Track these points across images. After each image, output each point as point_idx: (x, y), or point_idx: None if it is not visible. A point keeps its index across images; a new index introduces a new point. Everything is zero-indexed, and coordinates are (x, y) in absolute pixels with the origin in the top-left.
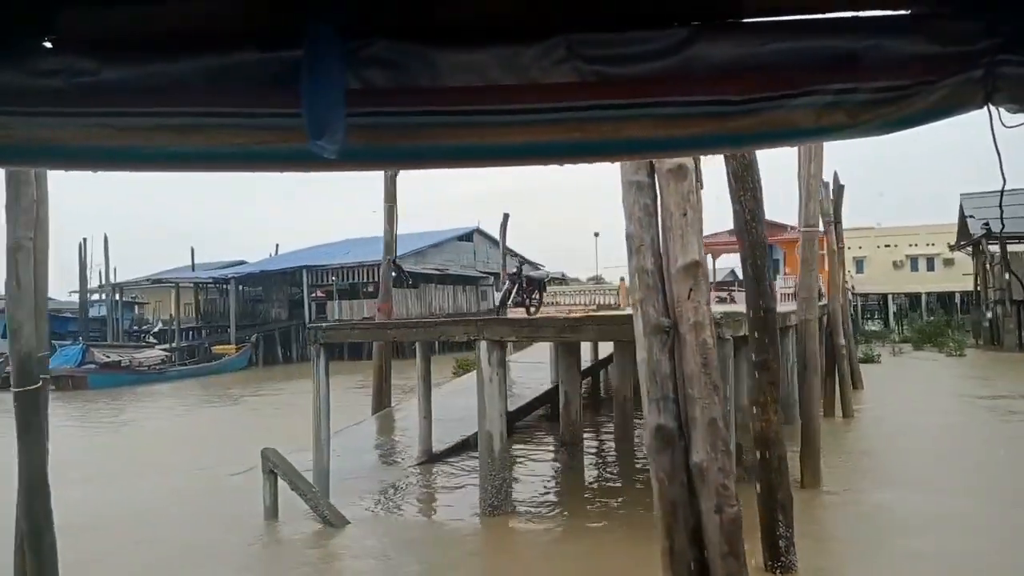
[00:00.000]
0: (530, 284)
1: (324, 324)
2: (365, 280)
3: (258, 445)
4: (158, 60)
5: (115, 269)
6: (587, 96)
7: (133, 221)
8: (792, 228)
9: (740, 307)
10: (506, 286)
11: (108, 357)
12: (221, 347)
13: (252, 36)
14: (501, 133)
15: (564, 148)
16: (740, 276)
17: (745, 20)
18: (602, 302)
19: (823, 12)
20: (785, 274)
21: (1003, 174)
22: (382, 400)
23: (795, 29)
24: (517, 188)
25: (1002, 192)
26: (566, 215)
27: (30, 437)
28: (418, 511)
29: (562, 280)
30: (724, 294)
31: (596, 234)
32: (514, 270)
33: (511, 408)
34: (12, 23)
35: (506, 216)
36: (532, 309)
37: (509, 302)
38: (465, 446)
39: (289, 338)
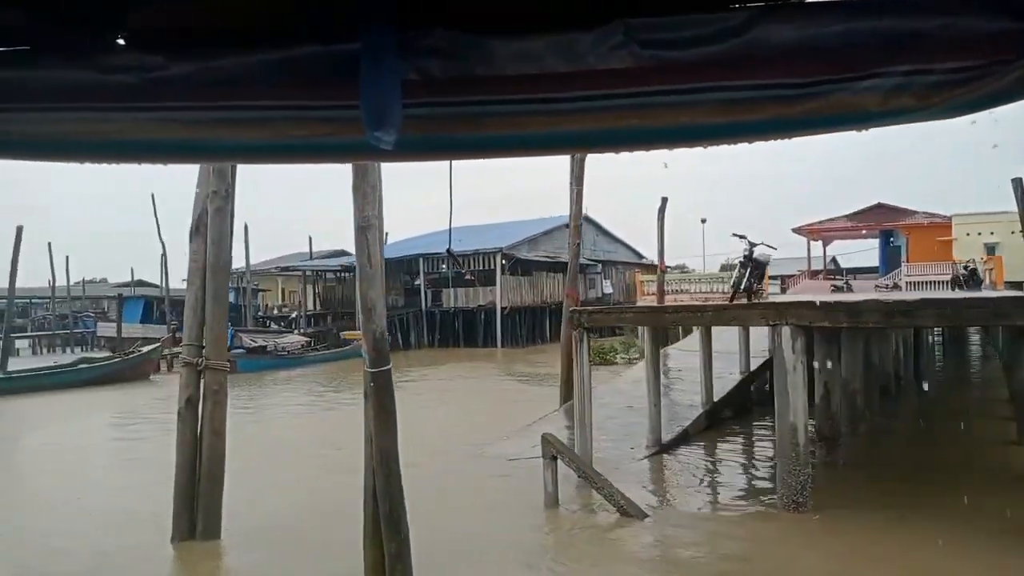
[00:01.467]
0: (756, 267)
1: (588, 308)
2: (483, 267)
3: (459, 431)
4: (222, 56)
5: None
6: (645, 82)
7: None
8: (919, 213)
9: (856, 296)
10: (737, 271)
11: (255, 342)
12: (349, 333)
13: (311, 30)
14: (558, 121)
15: (621, 135)
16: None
17: (807, 1)
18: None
19: None
20: (908, 262)
21: None
22: (569, 390)
23: (859, 9)
24: (614, 175)
25: None
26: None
27: (384, 417)
28: (703, 503)
29: (682, 268)
30: (840, 283)
31: (703, 220)
32: (745, 252)
33: (715, 398)
34: (87, 22)
35: (664, 200)
36: (756, 295)
37: (742, 287)
38: (685, 437)
39: (407, 325)
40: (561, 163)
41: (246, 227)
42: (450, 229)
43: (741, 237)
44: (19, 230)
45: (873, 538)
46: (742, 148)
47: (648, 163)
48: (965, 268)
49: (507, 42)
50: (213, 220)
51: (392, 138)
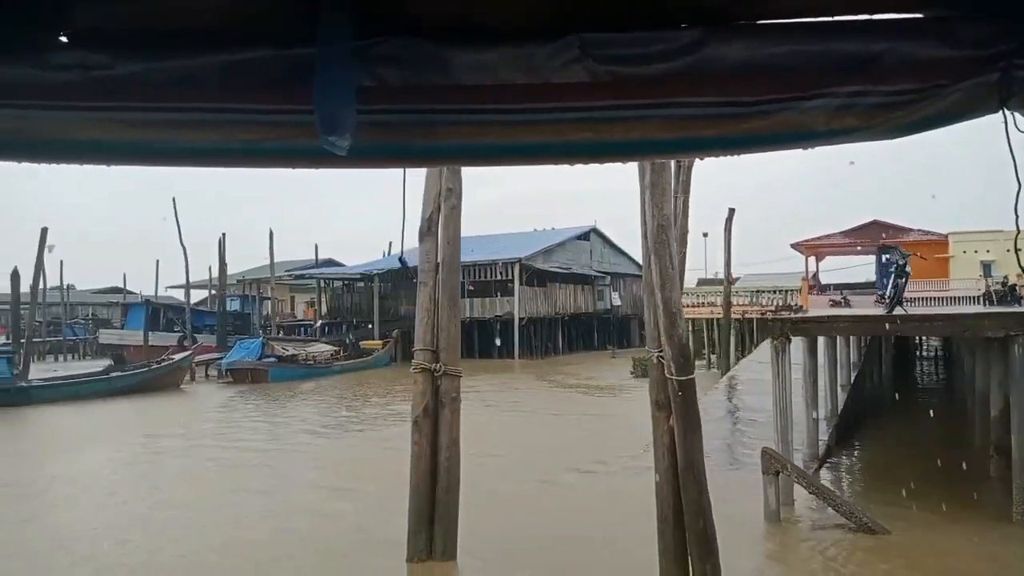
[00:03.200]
0: (905, 278)
1: (792, 317)
2: (499, 278)
3: (581, 442)
4: (172, 56)
5: (204, 267)
6: (599, 96)
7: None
8: (915, 230)
9: (853, 310)
10: (892, 279)
11: (286, 351)
12: (368, 343)
13: (265, 33)
14: (512, 132)
15: (576, 148)
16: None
17: (758, 22)
18: (783, 303)
19: (836, 15)
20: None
21: (1019, 178)
22: None
23: (808, 32)
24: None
25: (1017, 195)
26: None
27: (689, 426)
28: (931, 517)
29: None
30: (839, 298)
31: (705, 235)
32: (901, 261)
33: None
34: (29, 17)
35: (731, 211)
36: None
37: (896, 297)
38: (828, 450)
39: None
40: (556, 169)
41: (223, 237)
42: (402, 238)
43: (891, 248)
44: (44, 232)
45: None
46: (738, 161)
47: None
48: (1002, 284)
49: (464, 52)
50: (447, 219)
51: (347, 144)
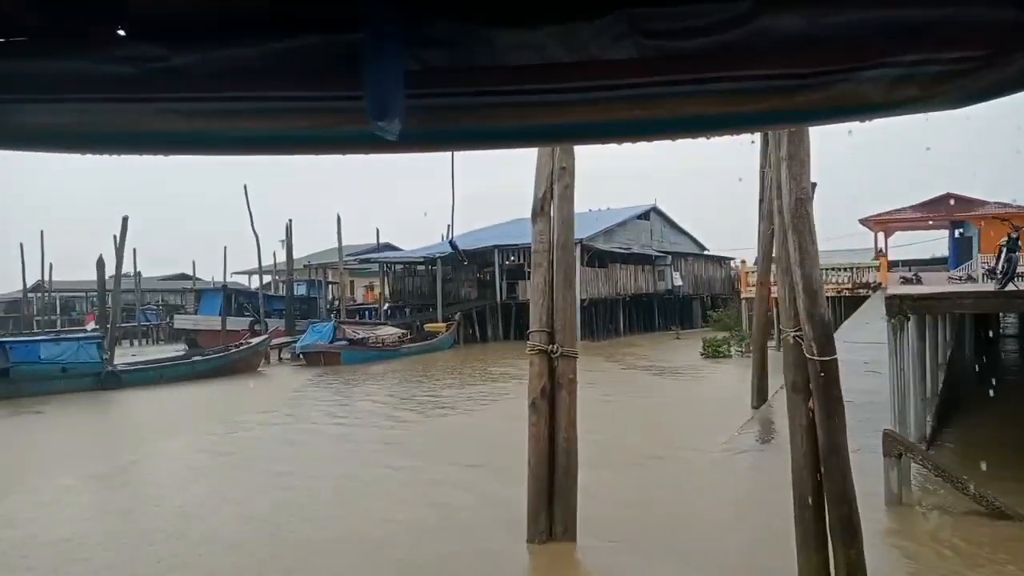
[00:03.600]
0: (1012, 250)
1: (912, 294)
2: None
3: (669, 425)
4: (223, 46)
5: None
6: (649, 72)
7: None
8: (989, 203)
9: (926, 288)
10: (1004, 254)
11: (357, 334)
12: (432, 325)
13: (314, 20)
14: (560, 112)
15: (625, 127)
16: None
17: None
18: (859, 280)
19: None
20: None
21: None
22: (763, 391)
23: None
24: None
25: None
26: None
27: (832, 408)
28: None
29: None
30: (910, 275)
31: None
32: (1014, 235)
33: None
34: (87, 13)
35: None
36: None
37: (1011, 271)
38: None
39: (484, 317)
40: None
41: (289, 222)
42: (452, 220)
43: (1006, 220)
44: (124, 220)
45: None
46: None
47: (708, 153)
48: None
49: (509, 32)
50: (561, 199)
51: (396, 128)
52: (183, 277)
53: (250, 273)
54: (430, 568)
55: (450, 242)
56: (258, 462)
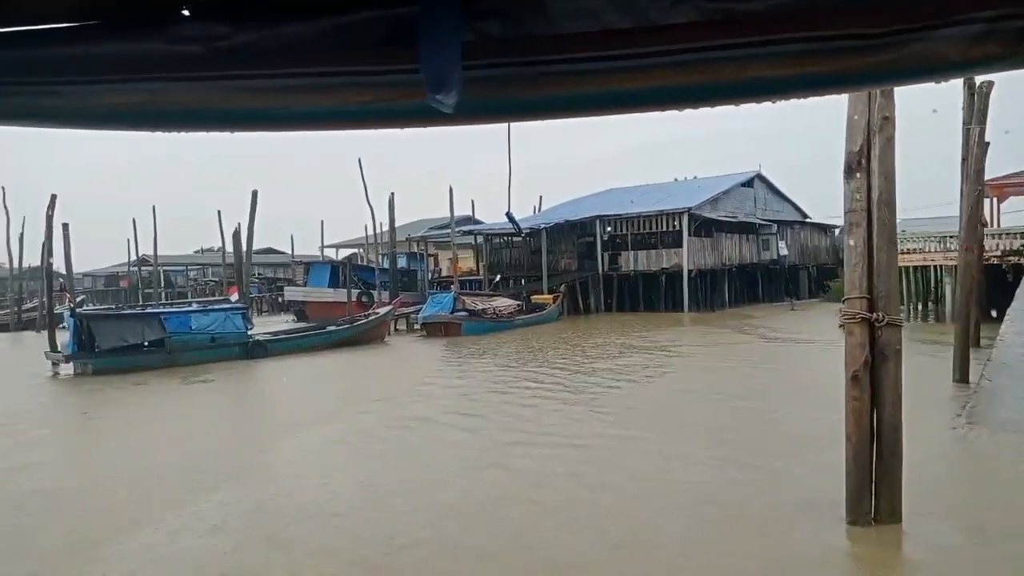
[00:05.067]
0: None
1: None
2: (666, 229)
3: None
4: (284, 23)
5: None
6: (710, 36)
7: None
8: None
9: None
10: None
11: (476, 306)
12: (539, 297)
13: None
14: (619, 80)
15: (686, 92)
16: None
17: None
18: (1009, 247)
19: None
20: None
21: None
22: (964, 367)
23: None
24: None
25: None
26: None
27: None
28: None
29: None
30: None
31: None
32: None
33: None
34: None
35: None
36: None
37: None
38: None
39: (587, 289)
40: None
41: (392, 197)
42: (509, 193)
43: None
44: (254, 195)
45: None
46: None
47: (810, 112)
48: None
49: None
50: (883, 151)
51: (453, 101)
52: (270, 251)
53: (337, 247)
54: (753, 543)
55: (507, 214)
56: (487, 427)
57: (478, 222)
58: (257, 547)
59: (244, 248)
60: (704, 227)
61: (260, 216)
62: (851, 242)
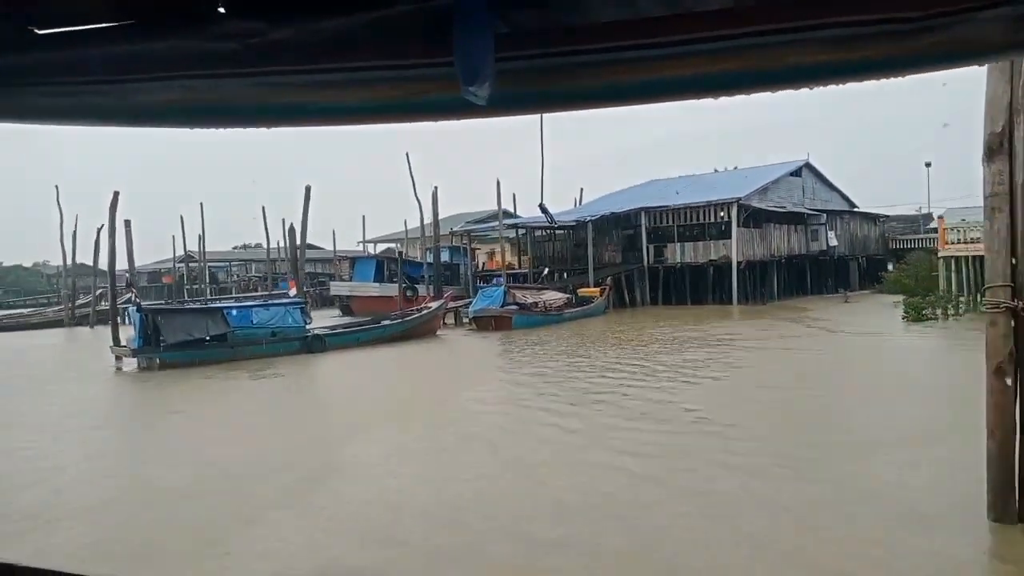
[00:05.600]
0: None
1: None
2: (713, 219)
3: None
4: (318, 18)
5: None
6: (747, 22)
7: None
8: None
9: None
10: None
11: (526, 299)
12: (585, 290)
13: None
14: (653, 68)
15: (724, 80)
16: None
17: None
18: None
19: None
20: None
21: None
22: None
23: None
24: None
25: None
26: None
27: None
28: None
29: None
30: None
31: (928, 164)
32: None
33: None
34: None
35: None
36: None
37: None
38: None
39: (632, 281)
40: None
41: (435, 190)
42: (542, 186)
43: None
44: (307, 189)
45: None
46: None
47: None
48: None
49: None
50: None
51: (486, 93)
52: (309, 247)
53: (375, 241)
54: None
55: (540, 206)
56: (582, 423)
57: (513, 215)
58: (378, 545)
59: (298, 243)
60: (752, 218)
61: (296, 213)
62: (992, 228)
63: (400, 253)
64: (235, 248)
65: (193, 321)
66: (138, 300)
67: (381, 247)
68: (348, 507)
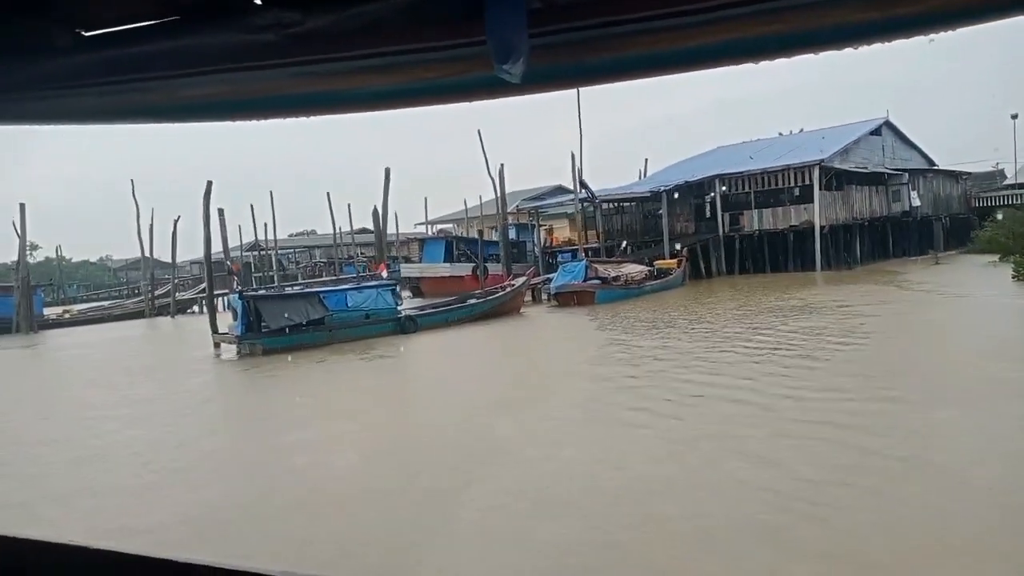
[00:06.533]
0: None
1: None
2: (792, 184)
3: None
4: (354, 5)
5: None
6: None
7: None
8: None
9: None
10: None
11: (608, 273)
12: (662, 262)
13: None
14: (690, 35)
15: (761, 44)
16: None
17: None
18: None
19: None
20: None
21: None
22: None
23: None
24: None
25: None
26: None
27: None
28: None
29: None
30: None
31: (1014, 116)
32: None
33: None
34: None
35: None
36: None
37: None
38: None
39: (708, 252)
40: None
41: (501, 167)
42: (580, 160)
43: None
44: (387, 172)
45: None
46: None
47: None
48: None
49: None
50: None
51: (520, 70)
52: (363, 231)
53: (433, 222)
54: None
55: (581, 181)
56: (719, 397)
57: (567, 190)
58: (583, 527)
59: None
60: (834, 180)
61: (352, 197)
62: None
63: (480, 232)
64: (291, 235)
65: (293, 306)
66: (241, 288)
67: (441, 227)
68: (538, 485)
